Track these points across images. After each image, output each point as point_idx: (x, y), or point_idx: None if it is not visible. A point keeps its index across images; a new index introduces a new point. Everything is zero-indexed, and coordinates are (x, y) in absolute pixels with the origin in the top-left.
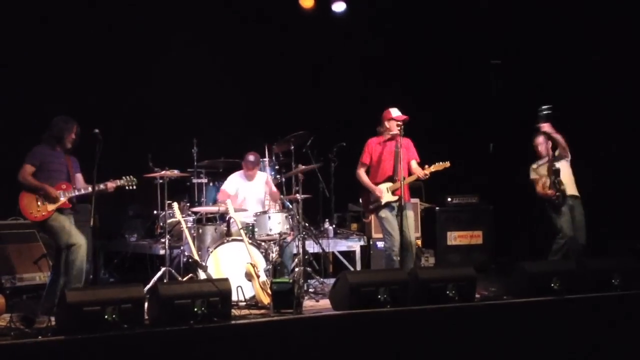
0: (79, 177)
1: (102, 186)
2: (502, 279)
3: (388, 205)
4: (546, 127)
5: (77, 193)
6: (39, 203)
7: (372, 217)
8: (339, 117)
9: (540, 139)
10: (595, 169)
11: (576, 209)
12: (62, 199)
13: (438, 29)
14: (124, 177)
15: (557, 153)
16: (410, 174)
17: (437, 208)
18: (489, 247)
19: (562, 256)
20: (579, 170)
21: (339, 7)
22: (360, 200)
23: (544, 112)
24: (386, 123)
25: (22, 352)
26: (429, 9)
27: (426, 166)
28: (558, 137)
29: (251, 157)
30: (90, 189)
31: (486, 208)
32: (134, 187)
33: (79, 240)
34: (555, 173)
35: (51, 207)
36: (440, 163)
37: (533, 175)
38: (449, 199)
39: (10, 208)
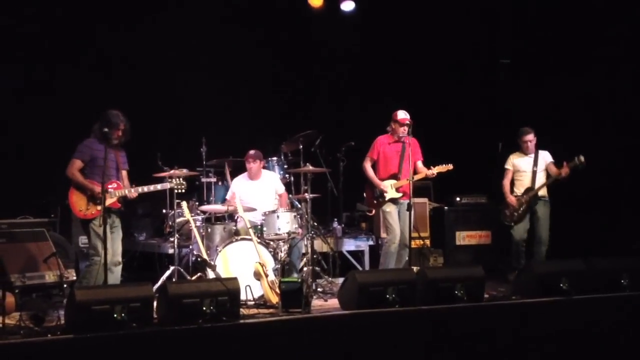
0: (124, 174)
1: (151, 188)
2: (510, 279)
3: (392, 200)
4: (565, 172)
5: (126, 193)
6: (90, 202)
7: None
8: (348, 116)
9: (531, 137)
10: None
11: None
12: (112, 199)
13: (447, 27)
14: (173, 180)
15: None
16: (415, 173)
17: (446, 208)
18: (498, 247)
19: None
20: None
21: (348, 7)
22: (365, 194)
23: (580, 163)
24: (393, 124)
25: (32, 350)
26: (437, 8)
27: (431, 167)
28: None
29: (251, 152)
30: (139, 190)
31: (495, 208)
32: (184, 190)
33: (96, 258)
34: (532, 200)
35: (100, 206)
36: (444, 165)
37: (509, 165)
38: (458, 199)
39: (19, 207)
